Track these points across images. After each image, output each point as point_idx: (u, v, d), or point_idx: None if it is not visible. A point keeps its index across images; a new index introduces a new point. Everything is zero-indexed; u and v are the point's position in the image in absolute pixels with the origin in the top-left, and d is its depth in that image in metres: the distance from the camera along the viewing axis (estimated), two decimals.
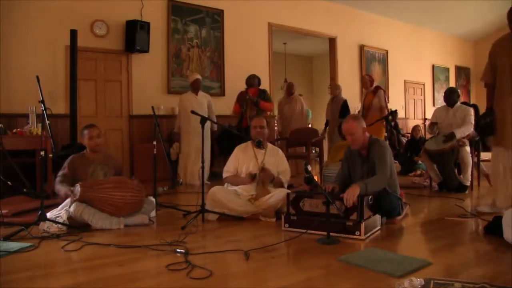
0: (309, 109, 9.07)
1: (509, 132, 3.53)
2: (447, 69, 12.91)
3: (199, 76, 6.15)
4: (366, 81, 6.80)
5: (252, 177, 3.75)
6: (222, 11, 7.51)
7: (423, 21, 11.31)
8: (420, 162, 6.62)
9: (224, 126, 5.88)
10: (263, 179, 3.72)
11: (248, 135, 4.14)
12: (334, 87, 7.41)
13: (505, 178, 3.60)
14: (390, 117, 7.72)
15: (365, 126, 3.40)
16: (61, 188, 3.50)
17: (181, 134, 6.10)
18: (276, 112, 7.92)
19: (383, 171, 3.22)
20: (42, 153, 3.28)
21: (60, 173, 3.67)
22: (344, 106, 7.08)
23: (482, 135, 4.24)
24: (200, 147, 5.74)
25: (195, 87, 6.05)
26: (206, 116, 4.53)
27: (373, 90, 6.70)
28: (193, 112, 3.96)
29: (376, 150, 3.32)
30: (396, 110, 8.40)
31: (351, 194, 2.92)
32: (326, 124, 7.44)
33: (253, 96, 6.17)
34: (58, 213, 3.34)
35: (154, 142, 4.07)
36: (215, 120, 5.84)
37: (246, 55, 7.79)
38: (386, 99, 6.79)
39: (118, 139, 6.40)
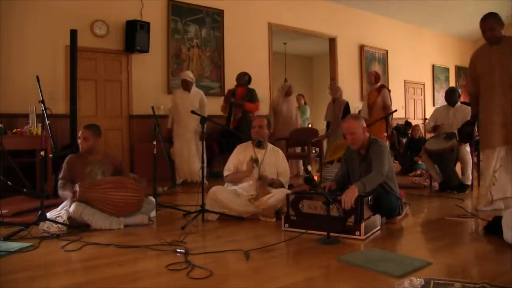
0: (307, 106, 9.01)
1: (495, 132, 3.67)
2: (447, 69, 12.92)
3: (187, 77, 5.82)
4: (370, 76, 6.71)
5: (254, 161, 3.75)
6: (222, 11, 7.51)
7: (423, 21, 11.30)
8: (420, 162, 6.62)
9: (224, 126, 5.86)
10: (261, 183, 3.72)
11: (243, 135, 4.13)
12: (335, 89, 7.37)
13: (493, 173, 3.71)
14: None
15: (365, 125, 3.41)
16: (64, 194, 3.55)
17: (173, 133, 5.94)
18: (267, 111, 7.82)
19: (378, 168, 3.22)
20: (42, 153, 3.28)
21: (60, 176, 3.70)
22: (346, 108, 7.06)
23: (464, 141, 4.56)
24: (192, 145, 5.74)
25: (184, 86, 5.83)
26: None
27: (378, 88, 6.62)
28: (193, 112, 3.96)
29: (374, 148, 3.33)
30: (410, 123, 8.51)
31: (349, 197, 2.91)
32: (328, 126, 7.41)
33: (237, 99, 6.12)
34: (58, 213, 3.34)
35: (154, 142, 4.07)
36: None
37: (246, 55, 7.79)
38: (390, 98, 6.71)
39: (118, 139, 6.40)
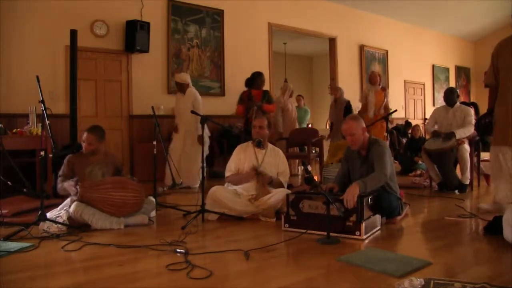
0: (307, 107, 9.04)
1: (510, 130, 3.56)
2: (447, 69, 12.92)
3: (177, 80, 5.72)
4: (376, 77, 6.70)
5: (256, 169, 3.74)
6: (222, 11, 7.51)
7: (423, 21, 11.31)
8: (420, 162, 6.62)
9: (224, 126, 5.83)
10: (261, 182, 3.72)
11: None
12: (335, 89, 7.41)
13: (506, 175, 3.62)
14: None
15: (364, 126, 3.40)
16: (64, 185, 3.50)
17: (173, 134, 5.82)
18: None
19: (381, 168, 3.21)
20: (42, 153, 3.28)
21: (60, 173, 3.70)
22: (347, 107, 7.08)
23: (482, 134, 4.32)
24: (183, 147, 5.67)
25: (178, 88, 5.75)
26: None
27: (382, 89, 6.69)
28: (193, 112, 3.96)
29: (375, 149, 3.32)
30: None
31: (351, 195, 2.91)
32: (331, 126, 7.42)
33: (257, 102, 6.01)
34: (58, 213, 3.34)
35: (154, 142, 4.07)
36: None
37: (246, 55, 7.79)
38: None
39: (118, 139, 6.40)
